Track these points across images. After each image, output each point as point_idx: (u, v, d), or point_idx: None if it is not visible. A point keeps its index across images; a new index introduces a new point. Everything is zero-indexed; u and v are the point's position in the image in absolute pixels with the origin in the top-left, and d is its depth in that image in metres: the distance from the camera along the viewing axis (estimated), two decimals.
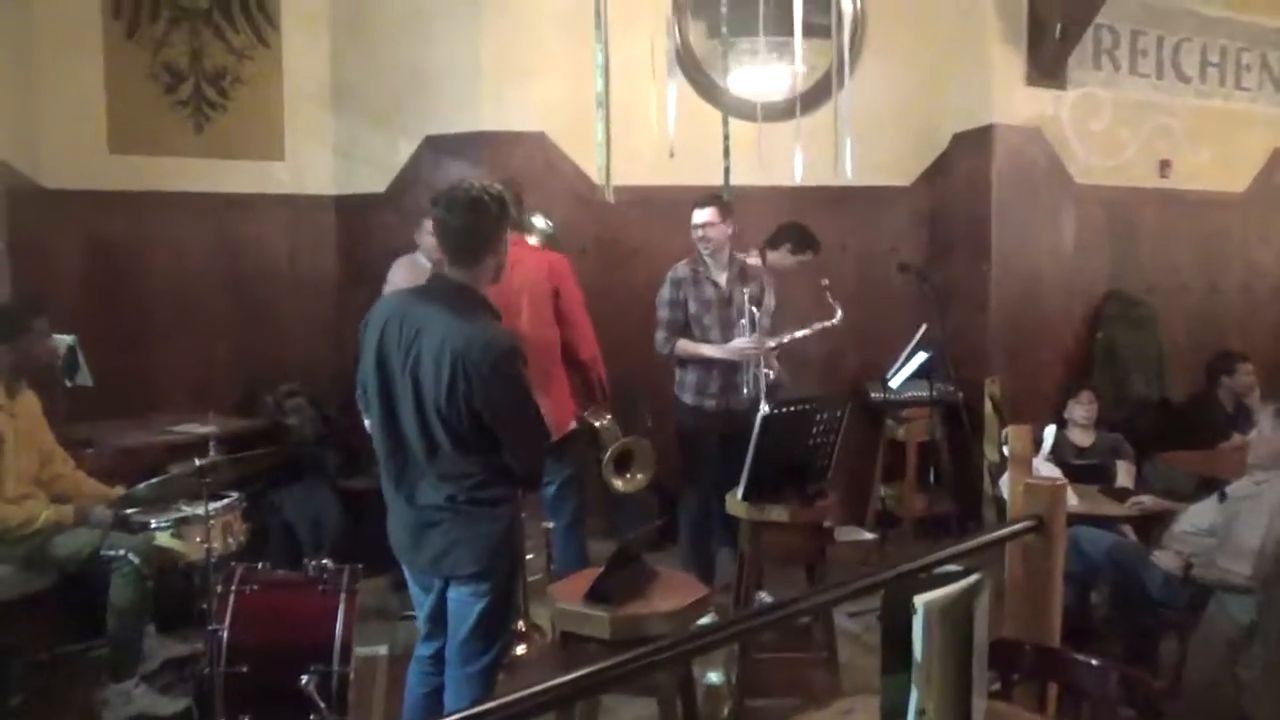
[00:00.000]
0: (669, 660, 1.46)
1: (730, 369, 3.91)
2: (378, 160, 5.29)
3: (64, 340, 3.87)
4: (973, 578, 1.89)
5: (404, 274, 4.51)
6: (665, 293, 4.14)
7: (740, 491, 2.97)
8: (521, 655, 3.00)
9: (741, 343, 3.86)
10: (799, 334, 4.08)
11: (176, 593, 3.15)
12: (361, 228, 5.31)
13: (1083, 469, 4.32)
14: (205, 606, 2.85)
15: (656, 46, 4.53)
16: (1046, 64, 5.03)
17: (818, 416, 3.02)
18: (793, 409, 3.00)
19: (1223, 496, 3.29)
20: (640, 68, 5.13)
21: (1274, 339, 5.90)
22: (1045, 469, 3.83)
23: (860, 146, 5.27)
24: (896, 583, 1.81)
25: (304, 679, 2.78)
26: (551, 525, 3.64)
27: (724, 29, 5.10)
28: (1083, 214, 5.29)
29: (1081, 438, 4.45)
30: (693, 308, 4.07)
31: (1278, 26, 5.77)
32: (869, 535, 5.21)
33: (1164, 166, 5.49)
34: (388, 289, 4.44)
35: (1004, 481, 3.93)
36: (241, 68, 5.22)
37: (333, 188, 5.40)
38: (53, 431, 3.55)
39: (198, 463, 2.68)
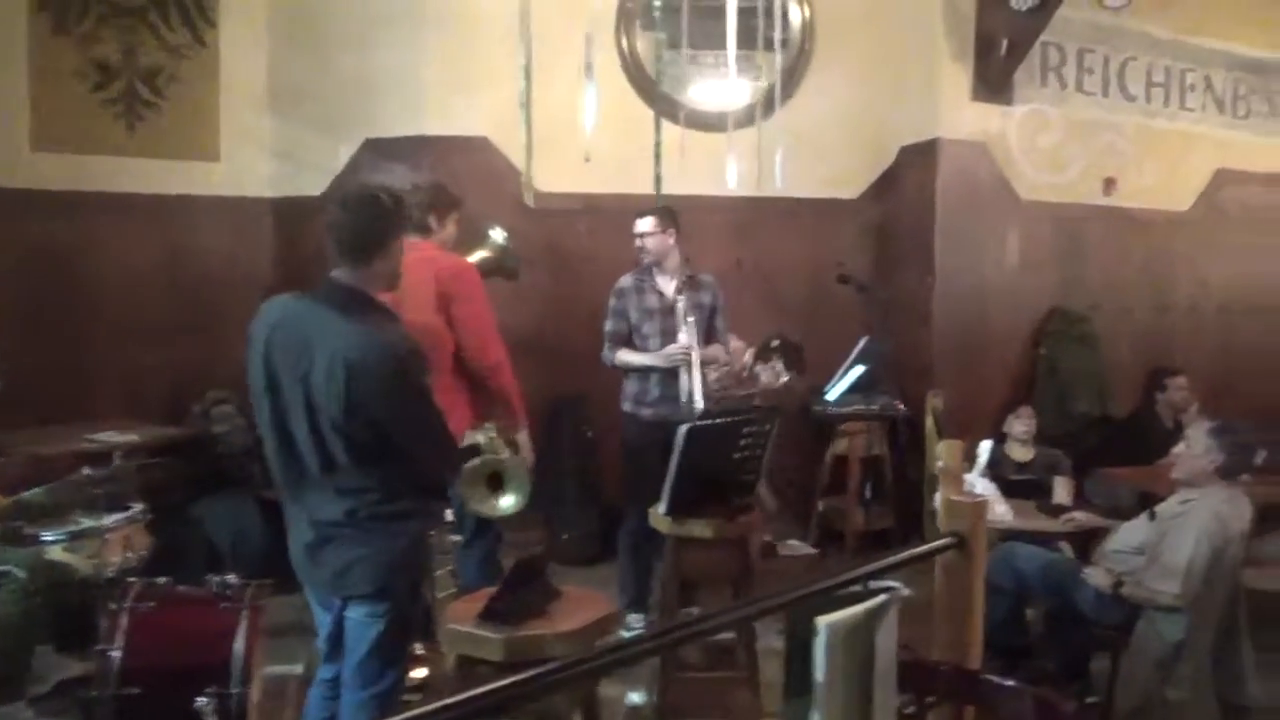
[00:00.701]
0: (555, 684, 1.36)
1: (669, 378, 3.83)
2: (317, 163, 5.16)
3: None
4: (880, 598, 1.82)
5: None
6: (610, 303, 4.09)
7: (663, 506, 2.89)
8: (425, 679, 2.87)
9: (671, 348, 3.78)
10: (738, 358, 4.04)
11: (73, 610, 2.99)
12: (299, 231, 5.17)
13: (1021, 484, 4.30)
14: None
15: (593, 50, 4.45)
16: (993, 80, 5.03)
17: (744, 430, 2.95)
18: (716, 422, 2.92)
19: (1152, 515, 3.26)
20: (578, 75, 5.09)
21: (1218, 358, 5.94)
22: (980, 485, 3.80)
23: (808, 159, 5.28)
24: (800, 603, 1.73)
25: (200, 701, 2.65)
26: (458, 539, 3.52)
27: (660, 36, 5.09)
28: (1028, 230, 5.30)
29: (1021, 453, 4.44)
30: (634, 317, 4.00)
31: (1222, 49, 5.83)
32: (810, 549, 5.16)
33: (1109, 184, 5.52)
34: None
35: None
36: (177, 66, 5.08)
37: (270, 190, 5.27)
38: None
39: (86, 471, 2.54)
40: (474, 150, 5.05)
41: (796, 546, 5.14)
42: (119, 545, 2.94)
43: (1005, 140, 5.19)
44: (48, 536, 2.88)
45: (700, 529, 2.87)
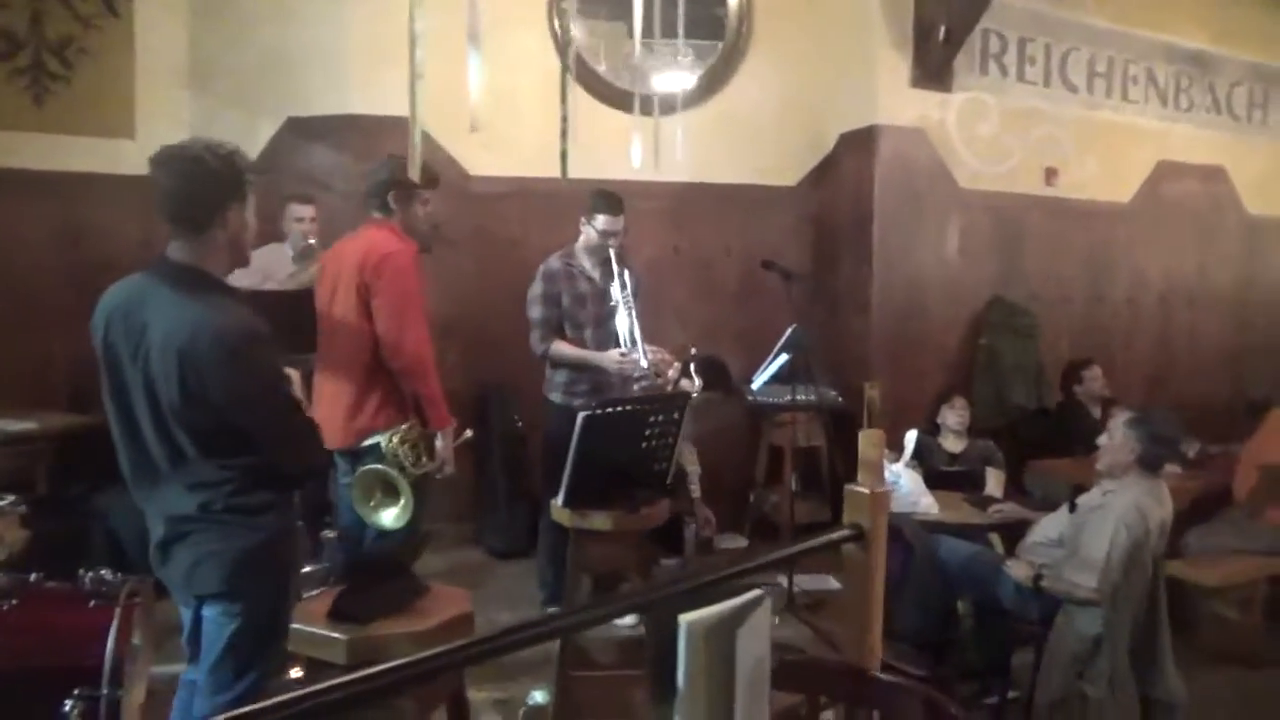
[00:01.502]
0: (360, 695, 1.23)
1: (602, 368, 3.70)
2: (236, 141, 4.92)
3: None
4: (752, 594, 1.72)
5: (255, 268, 4.22)
6: (538, 288, 3.87)
7: (560, 497, 2.76)
8: (302, 679, 2.73)
9: (616, 355, 3.67)
10: (667, 361, 3.93)
11: None
12: None
13: (953, 476, 4.24)
14: None
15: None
16: (932, 67, 4.95)
17: (650, 418, 2.83)
18: (615, 409, 2.79)
19: (1073, 507, 3.19)
20: (520, 57, 4.95)
21: (1157, 349, 5.94)
22: (905, 476, 3.71)
23: (744, 146, 5.20)
24: (664, 601, 1.62)
25: (66, 705, 2.49)
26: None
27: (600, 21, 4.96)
28: (968, 219, 5.24)
29: (954, 444, 4.38)
30: (566, 302, 3.84)
31: (1164, 40, 5.81)
32: (746, 543, 5.07)
33: (1050, 175, 5.47)
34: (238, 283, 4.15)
35: None
36: (88, 37, 4.85)
37: None
38: None
39: None
40: (401, 130, 4.86)
41: (733, 539, 5.04)
42: None
43: (945, 128, 5.12)
44: None
45: (600, 521, 2.75)
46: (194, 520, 1.99)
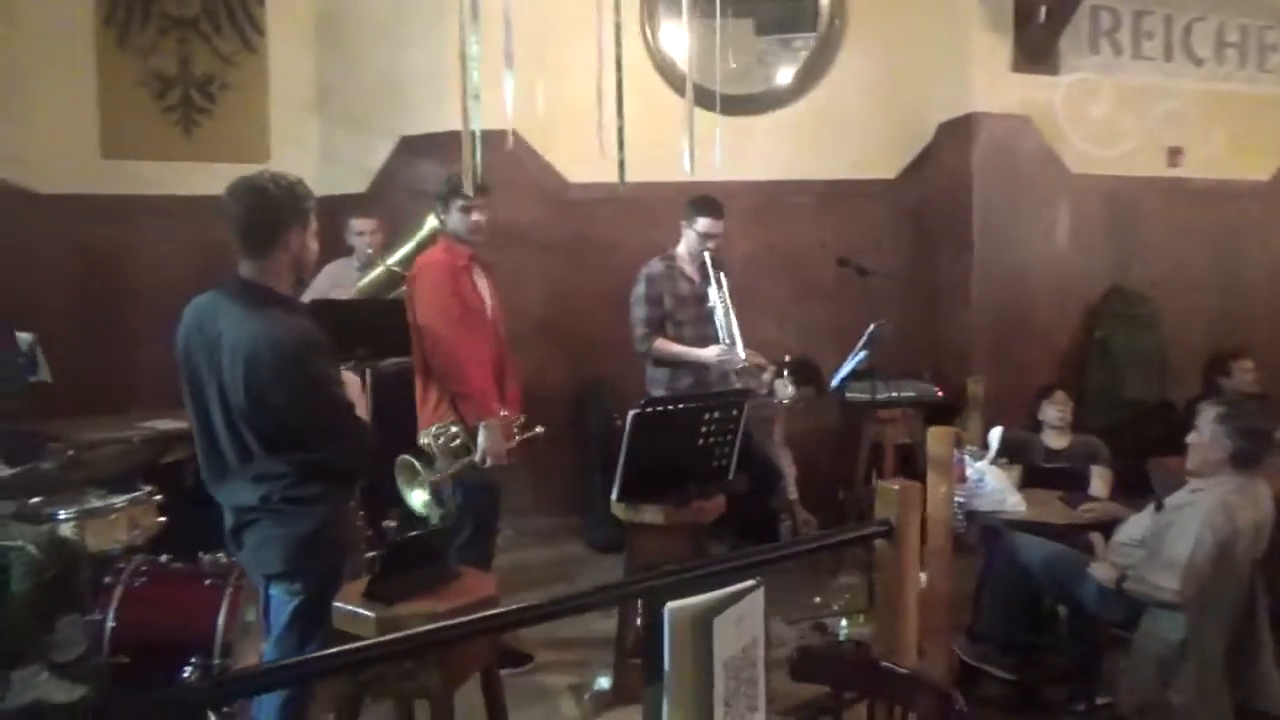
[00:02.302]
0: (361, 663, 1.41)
1: (702, 365, 3.84)
2: (357, 162, 5.36)
3: (24, 339, 4.02)
4: (746, 583, 1.79)
5: (326, 280, 4.58)
6: (641, 289, 4.03)
7: (615, 492, 2.89)
8: None
9: (716, 351, 3.80)
10: (761, 366, 4.05)
11: (87, 582, 3.22)
12: (343, 228, 5.38)
13: (1053, 473, 4.09)
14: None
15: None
16: (1034, 49, 4.78)
17: (706, 416, 2.91)
18: (665, 408, 2.90)
19: (1159, 506, 3.06)
20: (610, 61, 5.09)
21: None
22: (991, 473, 3.63)
23: (840, 140, 5.17)
24: (660, 591, 1.71)
25: (185, 671, 2.83)
26: None
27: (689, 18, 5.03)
28: (1079, 206, 5.02)
29: (1055, 440, 4.21)
30: (668, 303, 3.99)
31: None
32: None
33: (1174, 154, 5.17)
34: (310, 294, 4.53)
35: None
36: (228, 73, 5.36)
37: (317, 189, 5.44)
38: (25, 425, 3.74)
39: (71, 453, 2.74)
40: (496, 144, 5.12)
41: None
42: (125, 523, 3.15)
43: (1051, 111, 4.92)
44: (60, 514, 3.10)
45: (651, 515, 2.87)
46: (256, 510, 2.25)
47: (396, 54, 5.20)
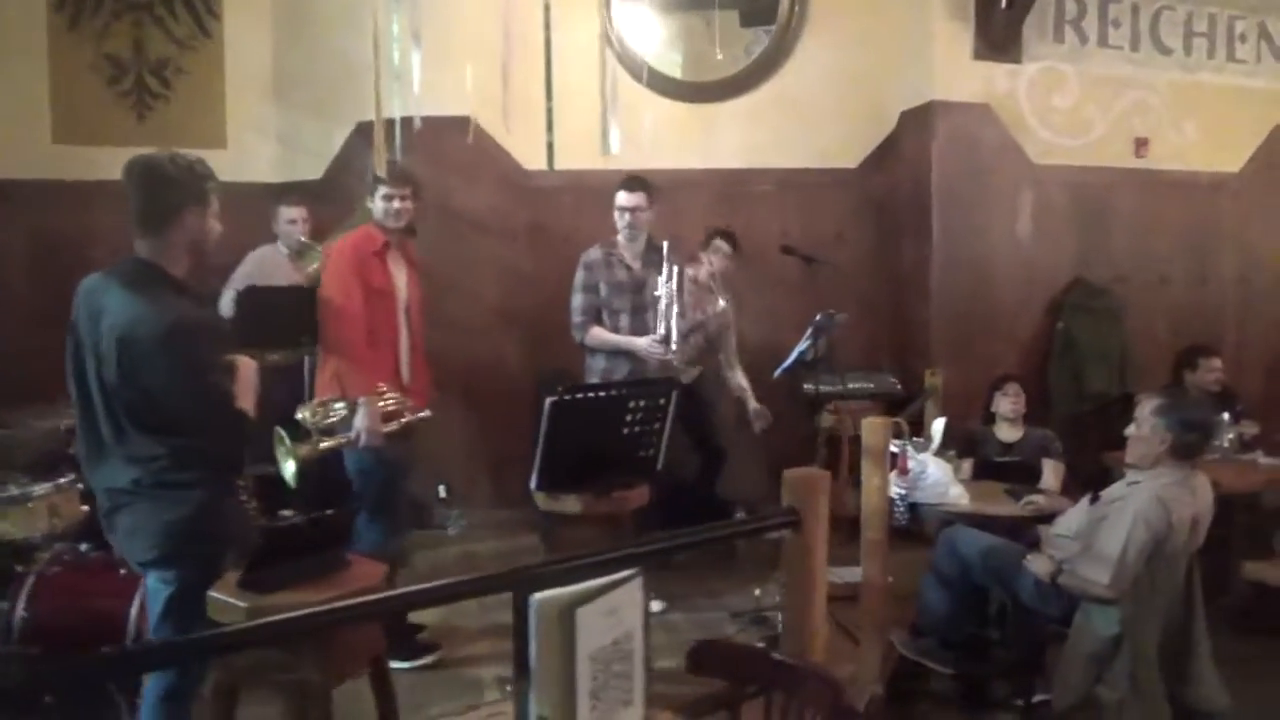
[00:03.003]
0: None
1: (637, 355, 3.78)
2: (314, 148, 5.29)
3: None
4: (624, 573, 1.73)
5: (253, 266, 4.57)
6: (578, 277, 4.02)
7: (533, 480, 2.83)
8: None
9: (646, 341, 3.74)
10: (697, 322, 3.95)
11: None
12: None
13: (1006, 466, 4.04)
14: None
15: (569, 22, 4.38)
16: (997, 37, 4.71)
17: (631, 404, 2.85)
18: (584, 396, 2.83)
19: (1094, 498, 2.99)
20: (572, 53, 5.02)
21: (1274, 333, 5.42)
22: (934, 464, 3.56)
23: (803, 128, 5.11)
24: (528, 581, 1.65)
25: None
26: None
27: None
28: (1042, 196, 4.95)
29: (1008, 433, 4.16)
30: (604, 292, 3.94)
31: None
32: None
33: (1141, 145, 5.10)
34: (233, 283, 4.49)
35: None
36: (184, 58, 5.29)
37: (273, 175, 5.42)
38: None
39: None
40: (456, 129, 5.06)
41: None
42: (45, 512, 3.08)
43: (1014, 101, 4.85)
44: None
45: (571, 504, 2.81)
46: (129, 493, 2.18)
47: (352, 38, 5.12)
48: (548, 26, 3.60)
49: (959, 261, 4.83)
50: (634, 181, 3.89)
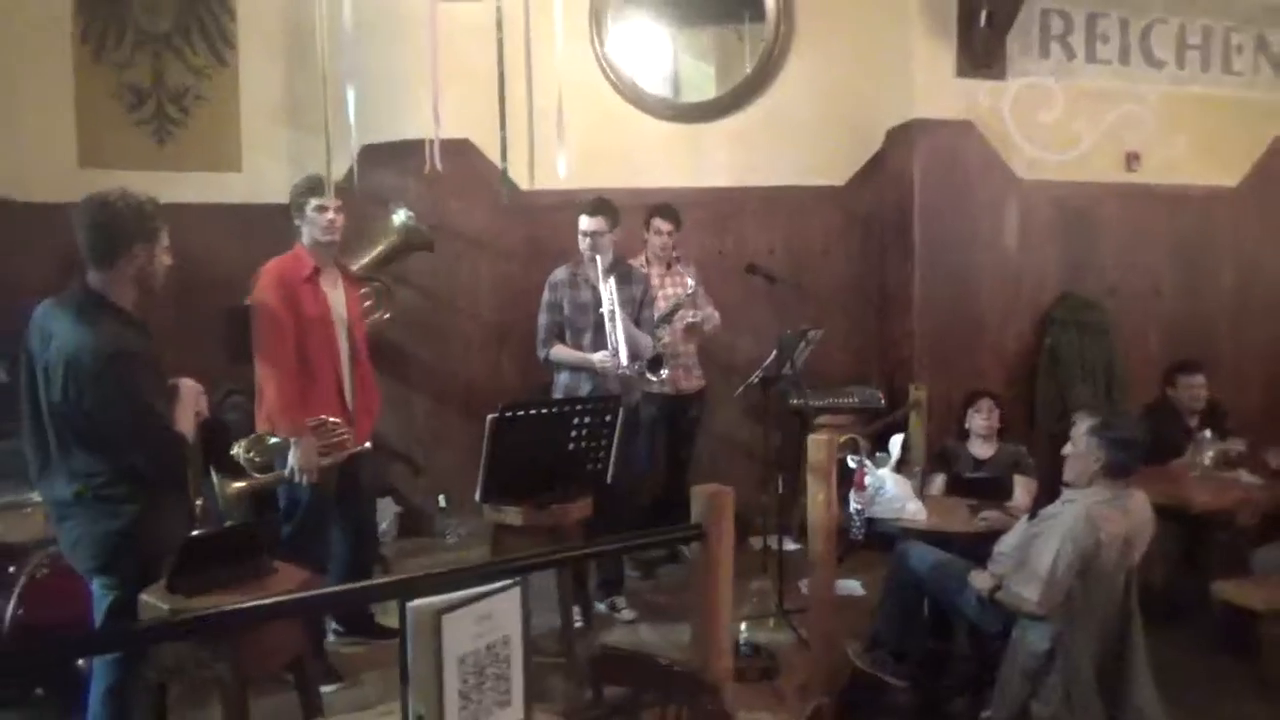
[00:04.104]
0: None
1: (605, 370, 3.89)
2: (323, 169, 5.50)
3: None
4: (501, 583, 1.85)
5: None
6: (544, 297, 4.14)
7: (478, 493, 2.97)
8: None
9: (599, 357, 3.82)
10: (673, 305, 4.16)
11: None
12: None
13: (977, 483, 4.08)
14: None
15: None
16: (979, 55, 4.76)
17: (575, 420, 2.97)
18: (524, 413, 2.96)
19: (1032, 515, 3.04)
20: (566, 71, 5.18)
21: (1272, 347, 5.36)
22: (891, 480, 3.63)
23: (791, 147, 5.20)
24: (413, 588, 1.79)
25: (80, 661, 2.97)
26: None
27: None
28: (1029, 211, 4.97)
29: (981, 449, 4.20)
30: (567, 310, 4.06)
31: (1274, 3, 5.23)
32: (794, 545, 5.05)
33: (1131, 159, 5.09)
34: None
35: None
36: (201, 86, 5.56)
37: (284, 197, 5.64)
38: None
39: None
40: (456, 152, 5.25)
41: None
42: (40, 519, 3.30)
43: (998, 117, 4.89)
44: None
45: (512, 516, 2.94)
46: (70, 505, 2.37)
47: (357, 64, 5.34)
48: (527, 49, 3.71)
49: (942, 276, 4.87)
50: (596, 205, 4.00)
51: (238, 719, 2.19)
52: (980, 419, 4.18)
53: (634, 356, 3.76)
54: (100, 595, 2.38)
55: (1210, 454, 4.24)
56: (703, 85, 5.37)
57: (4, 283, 5.01)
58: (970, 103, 4.84)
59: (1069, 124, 4.98)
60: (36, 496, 3.34)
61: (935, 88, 4.80)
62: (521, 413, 2.95)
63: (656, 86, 5.22)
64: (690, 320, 4.44)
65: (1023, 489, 4.03)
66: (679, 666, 2.12)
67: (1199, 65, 5.17)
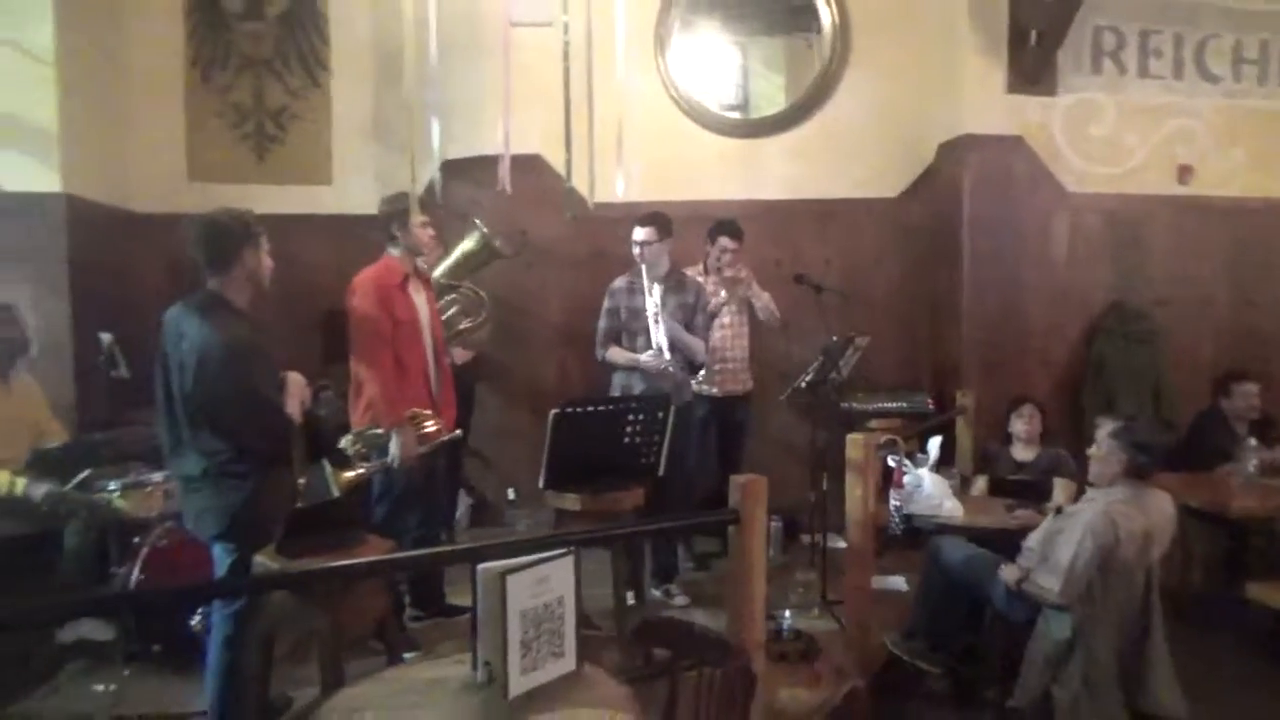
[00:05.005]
0: None
1: (661, 371, 4.16)
2: (406, 183, 5.92)
3: (104, 339, 4.71)
4: (559, 551, 2.16)
5: None
6: (605, 303, 4.47)
7: (541, 480, 3.28)
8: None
9: (646, 356, 4.13)
10: (719, 304, 4.52)
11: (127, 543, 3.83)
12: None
13: (1018, 485, 4.24)
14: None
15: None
16: (1029, 71, 4.91)
17: (630, 417, 3.26)
18: (582, 409, 3.26)
19: (1058, 511, 3.23)
20: (630, 91, 5.49)
21: None
22: (929, 479, 3.84)
23: (844, 161, 5.43)
24: (472, 555, 2.10)
25: (193, 620, 3.39)
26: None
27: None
28: (1078, 223, 5.10)
29: (1023, 453, 4.37)
30: (623, 315, 4.37)
31: None
32: (843, 544, 5.26)
33: (1184, 172, 5.18)
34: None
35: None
36: (296, 105, 6.03)
37: (370, 208, 6.09)
38: (104, 414, 4.47)
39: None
40: (529, 167, 5.60)
41: (834, 540, 5.27)
42: (160, 495, 3.74)
43: (1048, 132, 5.03)
44: (110, 486, 3.73)
45: (570, 502, 3.25)
46: (198, 480, 2.75)
47: (440, 84, 5.74)
48: (589, 74, 4.01)
49: (990, 286, 5.04)
50: (646, 218, 4.31)
51: (333, 669, 2.54)
52: (1022, 424, 4.35)
53: (674, 351, 4.08)
54: (221, 557, 2.77)
55: (1255, 461, 4.33)
56: (773, 95, 5.63)
57: (120, 285, 5.56)
58: (1020, 118, 5.00)
59: (1120, 138, 5.10)
60: (157, 477, 3.81)
61: (986, 104, 4.97)
62: (580, 409, 3.27)
63: (726, 96, 5.49)
64: (730, 274, 4.70)
65: (1062, 490, 4.18)
66: (713, 634, 2.39)
67: (1255, 79, 5.23)
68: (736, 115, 5.53)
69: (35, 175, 4.88)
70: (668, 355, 4.01)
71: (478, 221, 4.72)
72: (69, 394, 4.75)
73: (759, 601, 2.57)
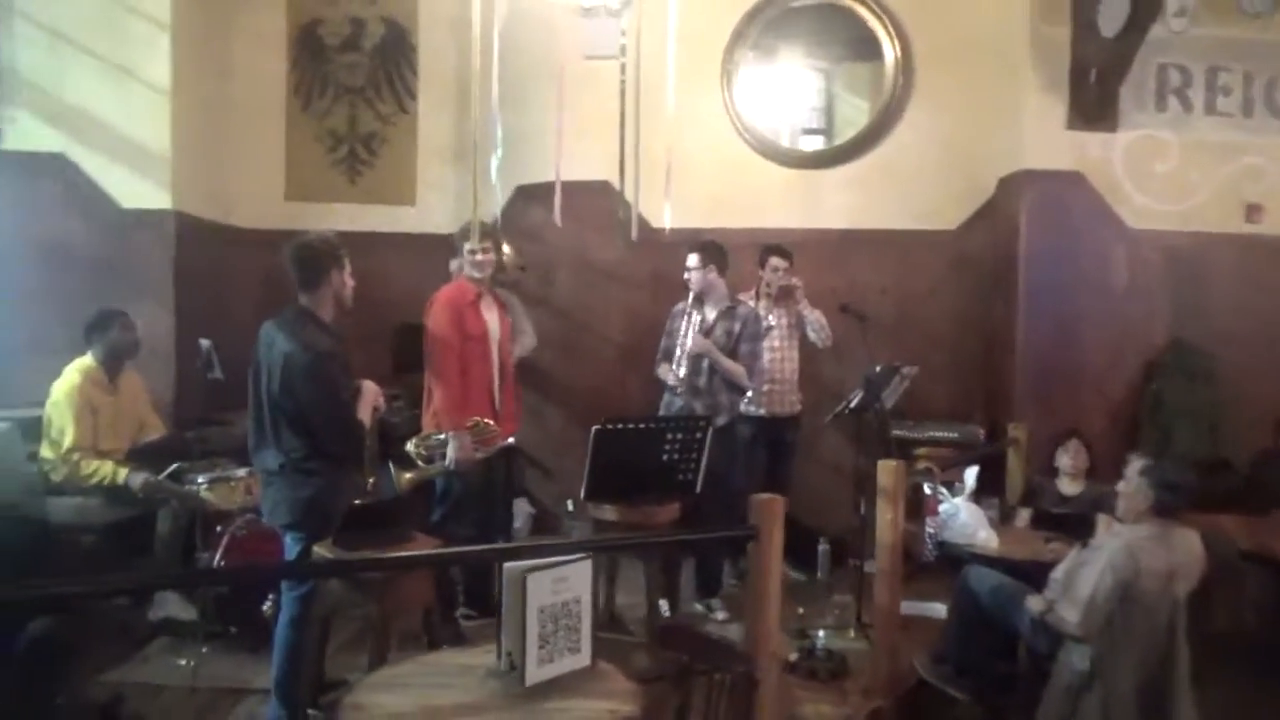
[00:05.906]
0: None
1: (687, 392, 4.38)
2: (483, 206, 6.26)
3: (203, 344, 5.15)
4: (576, 556, 2.37)
5: None
6: (666, 324, 4.71)
7: (583, 491, 3.50)
8: None
9: (660, 371, 4.47)
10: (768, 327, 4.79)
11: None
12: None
13: (1061, 518, 4.28)
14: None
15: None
16: (1089, 108, 4.95)
17: (668, 436, 3.46)
18: (621, 426, 3.46)
19: (1084, 544, 3.29)
20: (694, 120, 5.71)
21: None
22: (965, 509, 3.92)
23: (904, 193, 5.54)
24: (498, 554, 2.33)
25: (265, 606, 3.71)
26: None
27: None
28: (1139, 260, 5.10)
29: (1069, 486, 4.40)
30: (674, 337, 4.59)
31: None
32: None
33: (1253, 211, 5.12)
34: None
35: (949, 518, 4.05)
36: (386, 131, 6.44)
37: (449, 228, 6.45)
38: (199, 413, 4.89)
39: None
40: (596, 192, 5.87)
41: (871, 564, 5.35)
42: (243, 489, 4.09)
43: (1109, 168, 5.05)
44: (199, 479, 4.10)
45: (609, 513, 3.45)
46: (275, 474, 3.07)
47: (517, 113, 6.07)
48: (638, 105, 4.23)
49: (1046, 320, 5.07)
50: (696, 246, 4.57)
51: (382, 651, 2.81)
52: (1067, 458, 4.38)
53: (713, 375, 4.33)
54: (291, 545, 3.09)
55: None
56: (856, 119, 5.78)
57: (220, 295, 6.01)
58: (1080, 154, 5.03)
59: (1184, 175, 5.08)
60: (240, 472, 4.17)
61: (1046, 139, 5.02)
62: (620, 426, 3.48)
63: (807, 120, 5.68)
64: (784, 283, 4.87)
65: (1104, 526, 4.18)
66: (729, 643, 2.56)
67: None
68: (819, 140, 5.70)
69: (149, 194, 5.37)
70: (680, 375, 4.26)
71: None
72: (169, 393, 5.19)
73: (773, 613, 2.72)
